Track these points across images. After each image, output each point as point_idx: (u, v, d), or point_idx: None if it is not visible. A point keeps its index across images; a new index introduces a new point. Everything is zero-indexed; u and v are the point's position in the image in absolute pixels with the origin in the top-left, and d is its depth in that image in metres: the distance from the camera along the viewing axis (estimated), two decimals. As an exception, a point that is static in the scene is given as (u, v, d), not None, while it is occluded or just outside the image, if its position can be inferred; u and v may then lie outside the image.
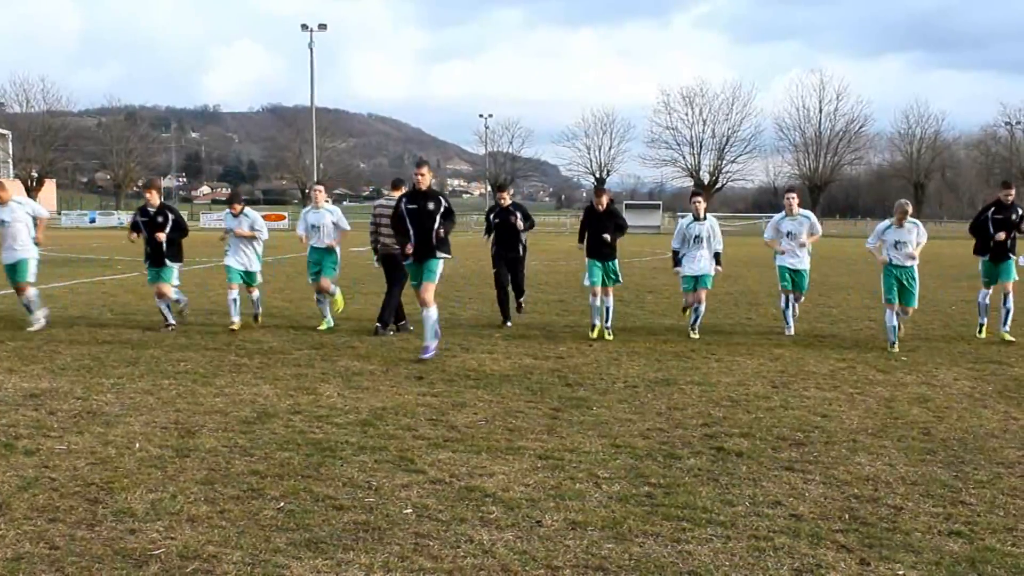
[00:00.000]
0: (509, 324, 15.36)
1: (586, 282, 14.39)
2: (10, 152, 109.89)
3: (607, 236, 14.14)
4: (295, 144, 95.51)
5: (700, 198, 15.04)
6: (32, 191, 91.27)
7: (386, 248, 14.41)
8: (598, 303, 14.20)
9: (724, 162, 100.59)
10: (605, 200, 14.40)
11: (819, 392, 10.31)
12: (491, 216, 15.80)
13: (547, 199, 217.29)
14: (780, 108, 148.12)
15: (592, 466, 7.28)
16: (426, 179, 12.31)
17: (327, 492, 6.60)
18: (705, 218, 14.62)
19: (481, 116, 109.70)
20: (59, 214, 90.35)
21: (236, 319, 14.43)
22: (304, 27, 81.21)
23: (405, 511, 6.24)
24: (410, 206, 12.21)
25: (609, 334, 14.13)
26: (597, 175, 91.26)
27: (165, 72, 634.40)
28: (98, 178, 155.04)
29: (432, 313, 12.12)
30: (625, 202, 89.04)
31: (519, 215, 15.42)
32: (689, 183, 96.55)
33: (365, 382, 10.48)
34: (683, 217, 15.16)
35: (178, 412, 8.99)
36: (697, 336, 14.22)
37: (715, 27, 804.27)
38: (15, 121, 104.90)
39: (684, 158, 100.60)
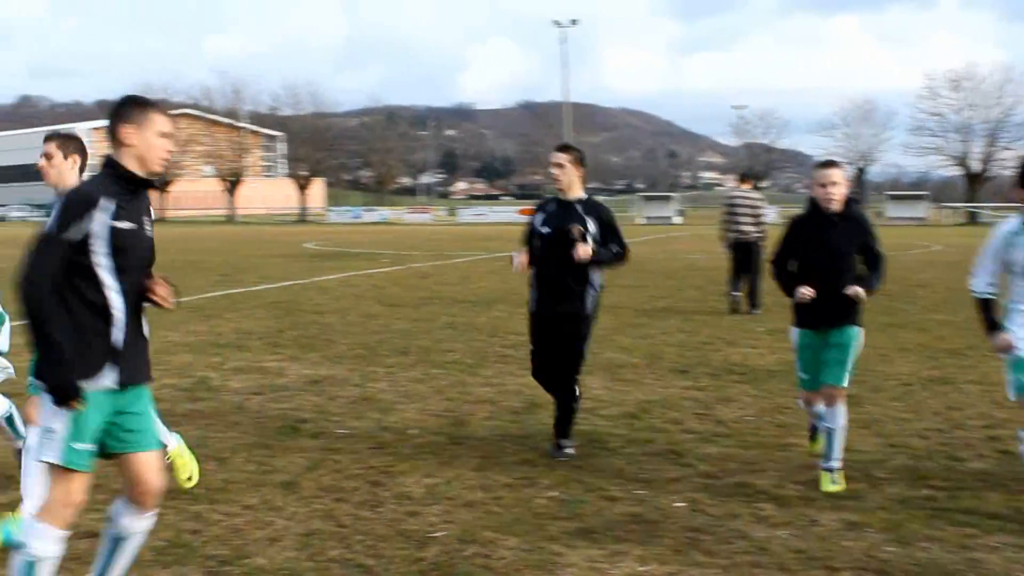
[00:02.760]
0: (566, 450, 7.39)
1: (799, 376, 6.99)
2: (284, 152, 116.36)
3: (858, 290, 6.48)
4: (548, 139, 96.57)
5: None
6: (303, 189, 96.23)
7: (742, 236, 15.87)
8: (824, 419, 6.72)
9: (996, 148, 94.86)
10: (839, 193, 6.54)
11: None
12: (537, 223, 7.53)
13: (803, 190, 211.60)
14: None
15: (868, 466, 7.03)
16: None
17: (598, 483, 6.65)
18: None
19: (735, 107, 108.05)
20: (327, 210, 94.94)
21: None
22: (556, 23, 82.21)
23: (676, 505, 6.22)
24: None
25: (833, 481, 6.53)
26: (857, 165, 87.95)
27: (423, 72, 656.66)
28: (361, 176, 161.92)
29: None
30: (887, 192, 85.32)
31: (591, 224, 7.31)
32: (956, 172, 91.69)
33: (629, 375, 10.51)
34: (1004, 222, 6.18)
35: (449, 401, 9.28)
36: None
37: (983, 5, 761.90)
38: (287, 123, 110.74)
39: (950, 145, 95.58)
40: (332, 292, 19.63)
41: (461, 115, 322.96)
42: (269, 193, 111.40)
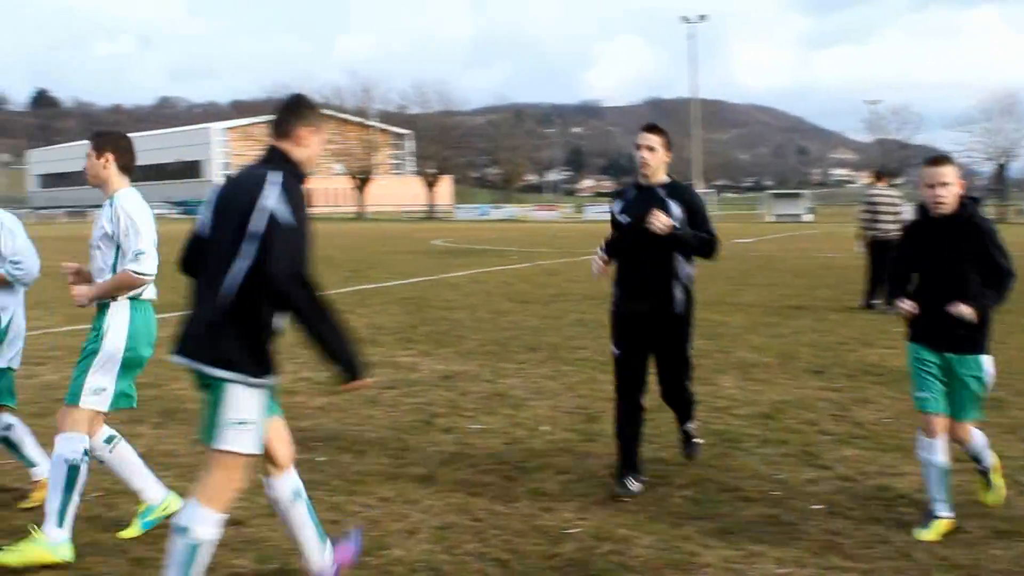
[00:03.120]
0: (631, 487, 6.36)
1: (915, 396, 5.98)
2: (410, 150, 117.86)
3: (962, 309, 5.58)
4: (675, 136, 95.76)
5: None
6: (431, 186, 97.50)
7: (881, 234, 15.56)
8: (938, 457, 5.74)
9: None
10: (950, 195, 5.69)
11: None
12: (616, 212, 6.70)
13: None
14: None
15: (1015, 472, 6.79)
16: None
17: (733, 483, 6.58)
18: None
19: (868, 102, 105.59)
20: (454, 207, 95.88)
21: None
22: (685, 19, 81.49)
23: (813, 507, 6.11)
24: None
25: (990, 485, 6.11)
26: (998, 161, 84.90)
27: (550, 70, 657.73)
28: (488, 173, 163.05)
29: None
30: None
31: (675, 208, 6.33)
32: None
33: (762, 374, 10.35)
34: None
35: (580, 398, 9.28)
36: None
37: None
38: (415, 121, 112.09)
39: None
40: (461, 288, 19.81)
41: (588, 112, 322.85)
42: (397, 190, 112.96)
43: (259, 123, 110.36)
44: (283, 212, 4.14)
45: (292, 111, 4.47)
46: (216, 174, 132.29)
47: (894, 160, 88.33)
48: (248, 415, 4.28)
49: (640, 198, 6.40)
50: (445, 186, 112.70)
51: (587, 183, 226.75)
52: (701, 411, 8.55)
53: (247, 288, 4.18)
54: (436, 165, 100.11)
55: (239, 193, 4.29)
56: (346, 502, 6.20)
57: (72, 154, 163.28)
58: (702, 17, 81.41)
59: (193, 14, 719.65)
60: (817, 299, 17.67)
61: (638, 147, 6.38)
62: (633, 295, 6.49)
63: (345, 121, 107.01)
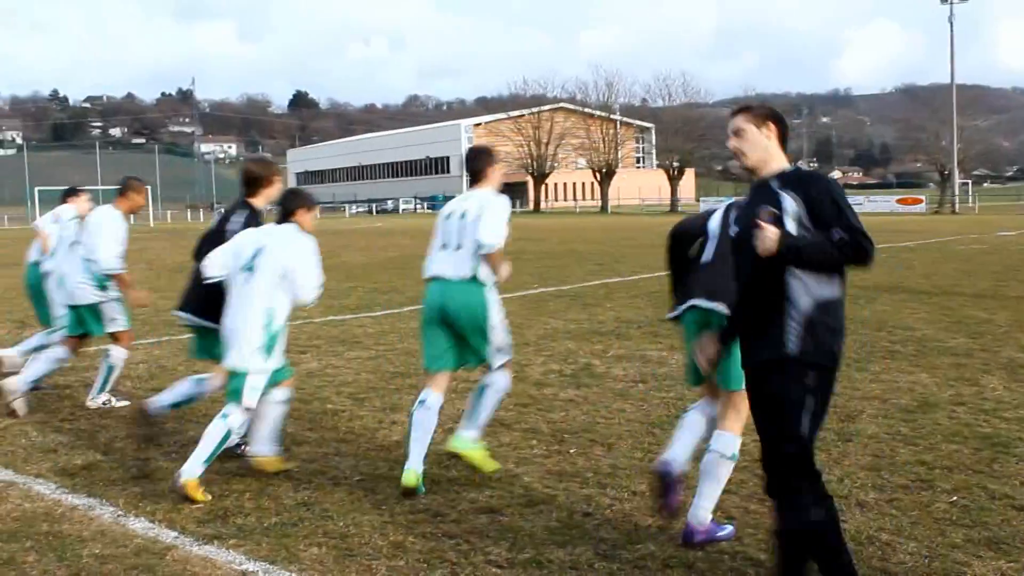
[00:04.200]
0: None
1: None
2: (653, 143, 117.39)
3: None
4: (931, 124, 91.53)
5: None
6: (673, 180, 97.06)
7: None
8: None
9: None
10: None
11: None
12: (731, 218, 5.14)
13: None
14: None
15: None
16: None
17: (1003, 490, 6.21)
18: None
19: None
20: (699, 200, 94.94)
21: None
22: (944, 0, 77.80)
23: (1096, 518, 5.70)
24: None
25: None
26: None
27: (796, 58, 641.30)
28: (732, 166, 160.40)
29: None
30: None
31: (791, 202, 4.30)
32: None
33: (1033, 375, 9.77)
34: None
35: (836, 396, 8.94)
36: None
37: None
38: (658, 115, 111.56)
39: None
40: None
41: (837, 101, 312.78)
42: (641, 184, 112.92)
43: (504, 119, 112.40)
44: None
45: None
46: (463, 169, 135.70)
47: None
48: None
49: (751, 200, 4.58)
50: (688, 179, 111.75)
51: (836, 174, 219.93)
52: (964, 413, 8.19)
53: None
54: (679, 158, 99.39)
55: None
56: (598, 495, 6.23)
57: (326, 152, 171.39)
58: (963, -2, 77.50)
59: (440, 13, 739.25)
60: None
61: (728, 139, 4.68)
62: (744, 336, 4.63)
63: (589, 115, 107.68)
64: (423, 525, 5.72)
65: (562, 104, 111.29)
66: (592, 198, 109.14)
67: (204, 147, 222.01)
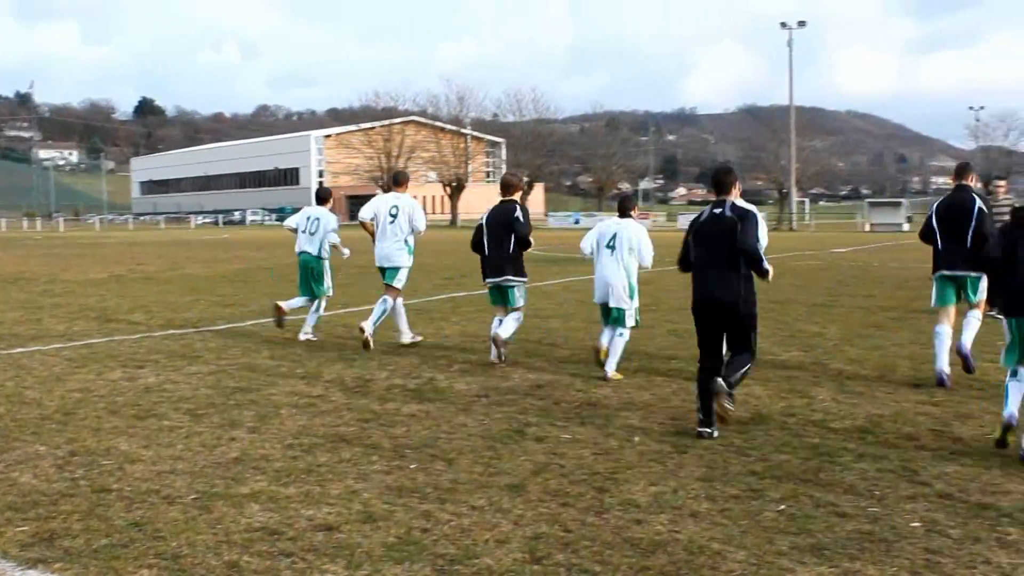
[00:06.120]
0: (708, 431, 8.12)
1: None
2: (504, 158, 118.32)
3: None
4: (771, 144, 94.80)
5: None
6: (524, 194, 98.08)
7: None
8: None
9: None
10: None
11: None
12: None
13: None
14: None
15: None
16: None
17: (828, 498, 6.45)
18: None
19: (971, 108, 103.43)
20: (546, 215, 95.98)
21: None
22: (783, 25, 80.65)
23: (912, 524, 5.96)
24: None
25: None
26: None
27: (645, 78, 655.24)
28: (580, 181, 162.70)
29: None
30: None
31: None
32: None
33: (859, 387, 10.16)
34: None
35: (673, 408, 9.20)
36: None
37: None
38: (509, 129, 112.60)
39: None
40: (555, 297, 19.81)
41: (683, 120, 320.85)
42: (491, 198, 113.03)
43: (355, 131, 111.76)
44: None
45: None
46: (313, 181, 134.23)
47: (998, 167, 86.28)
48: None
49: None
50: (537, 194, 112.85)
51: (680, 191, 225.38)
52: (795, 424, 8.48)
53: None
54: (529, 173, 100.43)
55: None
56: (436, 510, 6.22)
57: (172, 161, 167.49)
58: (801, 23, 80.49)
59: (295, 21, 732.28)
60: (918, 311, 17.29)
61: None
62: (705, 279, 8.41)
63: (440, 129, 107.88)
64: (259, 544, 5.62)
65: (413, 117, 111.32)
66: (442, 211, 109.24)
67: (43, 153, 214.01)
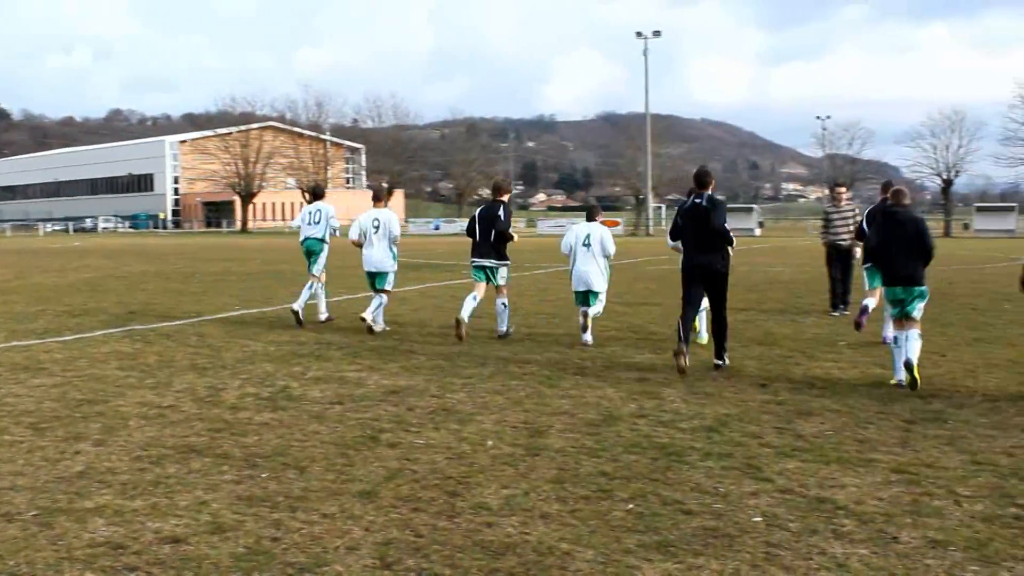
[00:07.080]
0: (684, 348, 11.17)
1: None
2: (363, 164, 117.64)
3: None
4: (629, 151, 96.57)
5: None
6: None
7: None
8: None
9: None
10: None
11: None
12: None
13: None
14: None
15: (951, 482, 6.89)
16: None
17: (675, 496, 6.61)
18: None
19: (819, 118, 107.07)
20: (407, 222, 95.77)
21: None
22: (639, 34, 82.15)
23: (754, 519, 6.15)
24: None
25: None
26: (944, 176, 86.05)
27: (505, 85, 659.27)
28: (441, 187, 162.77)
29: None
30: (975, 204, 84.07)
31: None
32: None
33: (708, 388, 10.43)
34: None
35: (526, 412, 9.29)
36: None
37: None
38: (368, 135, 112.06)
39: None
40: (412, 303, 19.79)
41: (542, 127, 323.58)
42: (350, 204, 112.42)
43: (211, 136, 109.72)
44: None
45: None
46: (168, 187, 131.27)
47: (844, 174, 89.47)
48: None
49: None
50: (398, 200, 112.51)
51: (540, 197, 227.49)
52: (645, 425, 8.66)
53: None
54: (389, 179, 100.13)
55: None
56: (287, 519, 6.16)
57: (19, 167, 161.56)
58: (656, 33, 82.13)
59: (150, 23, 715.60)
60: (765, 313, 17.84)
61: None
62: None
63: (299, 135, 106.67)
64: (103, 559, 5.48)
65: (271, 123, 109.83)
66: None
67: None
